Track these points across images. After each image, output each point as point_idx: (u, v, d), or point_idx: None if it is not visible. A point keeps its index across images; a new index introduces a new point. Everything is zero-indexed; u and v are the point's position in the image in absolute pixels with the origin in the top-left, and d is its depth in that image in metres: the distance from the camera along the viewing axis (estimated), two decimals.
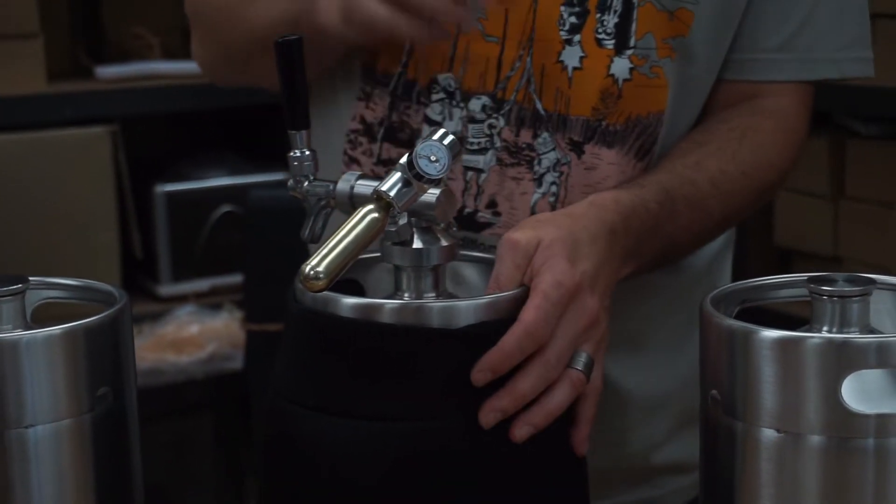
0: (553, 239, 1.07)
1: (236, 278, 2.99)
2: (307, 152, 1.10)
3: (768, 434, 0.95)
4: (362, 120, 1.33)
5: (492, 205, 1.28)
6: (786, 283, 1.08)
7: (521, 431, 1.02)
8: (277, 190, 2.63)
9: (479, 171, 1.28)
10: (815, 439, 0.94)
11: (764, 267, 3.04)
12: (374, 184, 1.02)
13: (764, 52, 1.32)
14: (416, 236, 1.05)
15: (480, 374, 1.01)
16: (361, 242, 0.99)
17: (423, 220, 1.05)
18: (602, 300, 1.09)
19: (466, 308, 1.03)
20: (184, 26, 1.60)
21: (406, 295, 1.06)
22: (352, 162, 1.33)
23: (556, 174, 1.27)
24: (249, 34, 1.32)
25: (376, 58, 1.31)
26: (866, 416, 0.93)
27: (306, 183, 1.10)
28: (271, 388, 1.08)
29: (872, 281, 1.00)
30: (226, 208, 3.09)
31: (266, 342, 2.60)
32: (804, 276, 1.04)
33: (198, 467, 3.09)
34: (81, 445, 1.02)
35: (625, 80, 1.26)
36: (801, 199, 2.99)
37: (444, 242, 1.06)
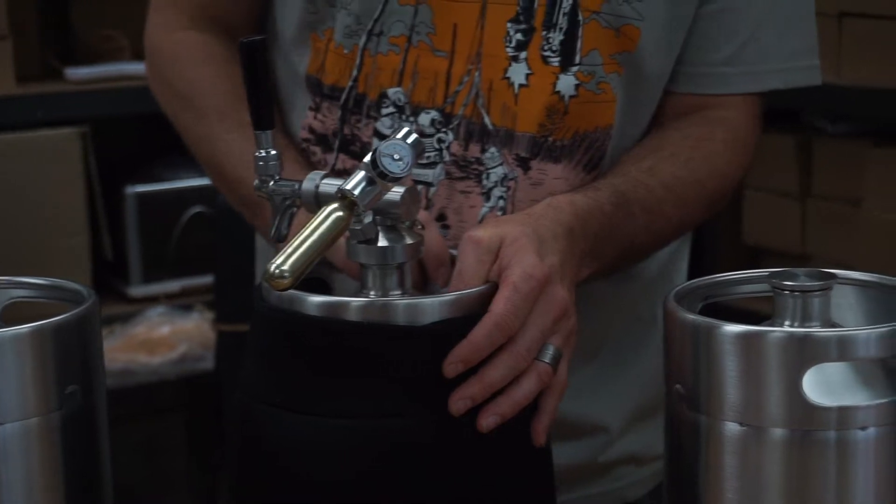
0: (518, 234, 1.08)
1: (207, 279, 2.99)
2: (272, 152, 1.10)
3: (731, 427, 0.96)
4: (311, 130, 1.33)
5: (441, 218, 1.28)
6: (748, 279, 1.10)
7: (487, 421, 1.03)
8: None
9: (428, 184, 1.28)
10: (778, 432, 0.95)
11: (732, 265, 3.02)
12: (339, 182, 1.03)
13: (712, 66, 1.33)
14: (381, 234, 1.06)
15: (451, 366, 1.02)
16: (326, 241, 0.99)
17: (388, 218, 1.06)
18: (570, 294, 1.10)
19: (431, 305, 1.03)
20: None
21: (372, 293, 1.07)
22: None
23: (504, 189, 1.27)
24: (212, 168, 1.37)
25: (321, 71, 1.32)
26: (828, 409, 0.94)
27: (272, 182, 1.11)
28: (239, 386, 1.09)
29: (833, 276, 1.01)
30: (196, 209, 3.09)
31: (237, 342, 2.59)
32: (766, 271, 1.05)
33: (170, 467, 3.09)
34: (50, 443, 1.02)
35: (571, 97, 1.27)
36: (768, 198, 3.01)
37: (408, 240, 1.06)
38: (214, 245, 2.77)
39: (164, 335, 3.00)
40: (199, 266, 3.03)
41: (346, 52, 1.29)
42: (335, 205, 1.01)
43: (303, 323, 1.03)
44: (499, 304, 1.03)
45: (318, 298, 1.03)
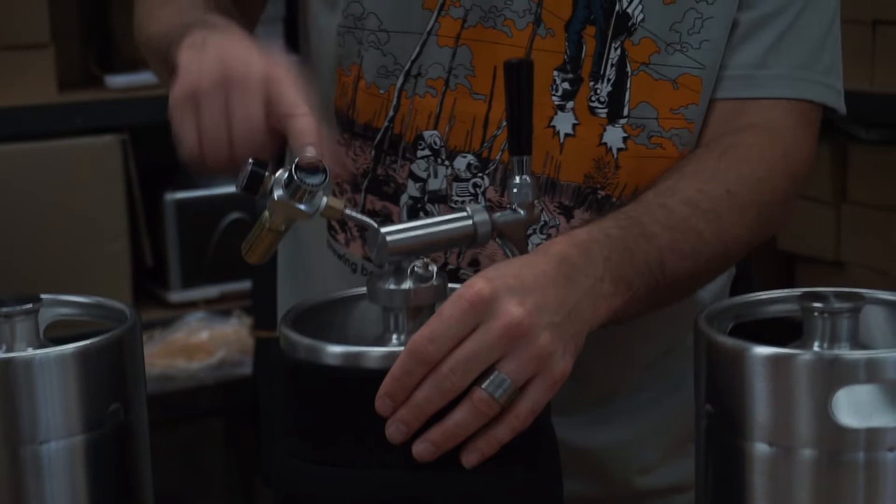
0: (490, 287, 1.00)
1: (245, 285, 3.01)
2: (528, 179, 1.10)
3: (761, 448, 0.97)
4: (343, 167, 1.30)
5: (474, 263, 1.26)
6: (779, 299, 1.10)
7: (417, 448, 0.98)
8: None
9: None
10: (807, 453, 0.96)
11: (767, 271, 3.05)
12: None
13: (743, 68, 1.26)
14: (404, 277, 1.05)
15: (380, 401, 0.98)
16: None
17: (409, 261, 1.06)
18: (557, 336, 0.99)
19: None
20: None
21: (394, 336, 1.06)
22: None
23: (544, 236, 1.25)
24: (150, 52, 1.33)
25: (352, 109, 1.29)
26: (857, 431, 0.95)
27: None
28: (278, 442, 1.08)
29: (863, 297, 1.02)
30: (234, 215, 3.12)
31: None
32: (797, 291, 1.06)
33: (208, 472, 3.11)
34: (94, 461, 1.04)
35: (619, 150, 1.24)
36: (803, 204, 3.01)
37: (433, 283, 1.06)
38: None
39: (202, 340, 3.02)
40: (238, 272, 3.05)
41: (381, 91, 1.27)
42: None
43: (323, 375, 1.02)
44: (417, 333, 0.97)
45: (337, 348, 1.02)
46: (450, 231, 1.07)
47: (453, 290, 1.03)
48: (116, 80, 3.08)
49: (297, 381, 1.04)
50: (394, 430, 0.98)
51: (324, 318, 1.12)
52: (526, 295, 0.99)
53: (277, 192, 1.05)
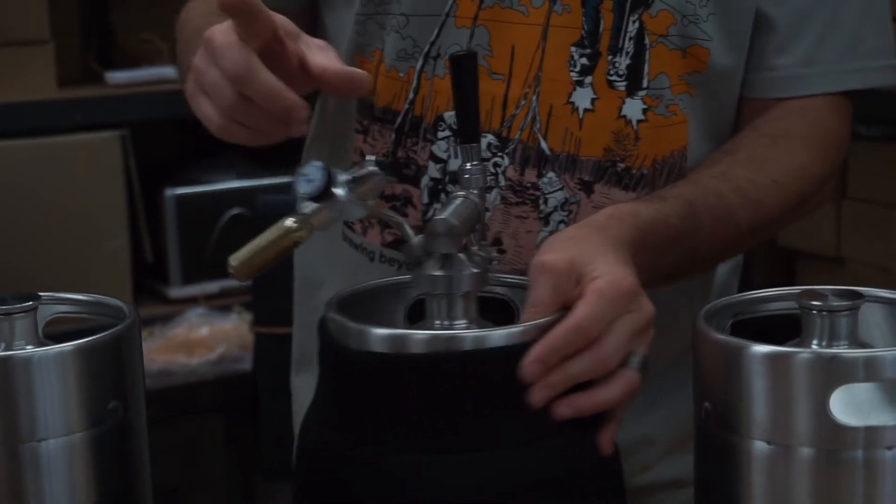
0: (592, 253, 1.05)
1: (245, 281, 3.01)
2: (478, 165, 1.11)
3: (759, 446, 0.98)
4: (361, 154, 1.32)
5: (496, 242, 1.27)
6: (777, 297, 1.10)
7: (562, 409, 1.01)
8: (285, 192, 2.65)
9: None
10: (805, 451, 0.96)
11: (768, 268, 3.05)
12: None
13: (789, 68, 1.30)
14: (443, 263, 1.06)
15: (530, 365, 1.00)
16: (269, 244, 1.02)
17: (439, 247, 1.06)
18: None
19: (499, 336, 1.01)
20: None
21: (437, 322, 1.07)
22: None
23: (565, 213, 1.26)
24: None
25: (372, 94, 1.30)
26: (855, 429, 0.95)
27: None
28: (312, 419, 1.08)
29: (861, 295, 1.02)
30: (234, 211, 3.12)
31: (274, 345, 2.62)
32: (796, 289, 1.06)
33: (208, 468, 3.11)
34: (93, 458, 1.04)
35: (639, 122, 1.25)
36: None
37: (474, 269, 1.06)
38: None
39: (202, 336, 3.02)
40: None
41: (400, 74, 1.29)
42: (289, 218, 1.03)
43: (367, 358, 1.02)
44: (581, 309, 1.01)
45: (382, 331, 1.03)
46: (475, 210, 1.09)
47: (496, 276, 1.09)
48: (116, 77, 3.09)
49: (345, 366, 1.04)
50: (541, 395, 1.01)
51: (364, 305, 1.12)
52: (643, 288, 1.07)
53: (340, 192, 1.03)
